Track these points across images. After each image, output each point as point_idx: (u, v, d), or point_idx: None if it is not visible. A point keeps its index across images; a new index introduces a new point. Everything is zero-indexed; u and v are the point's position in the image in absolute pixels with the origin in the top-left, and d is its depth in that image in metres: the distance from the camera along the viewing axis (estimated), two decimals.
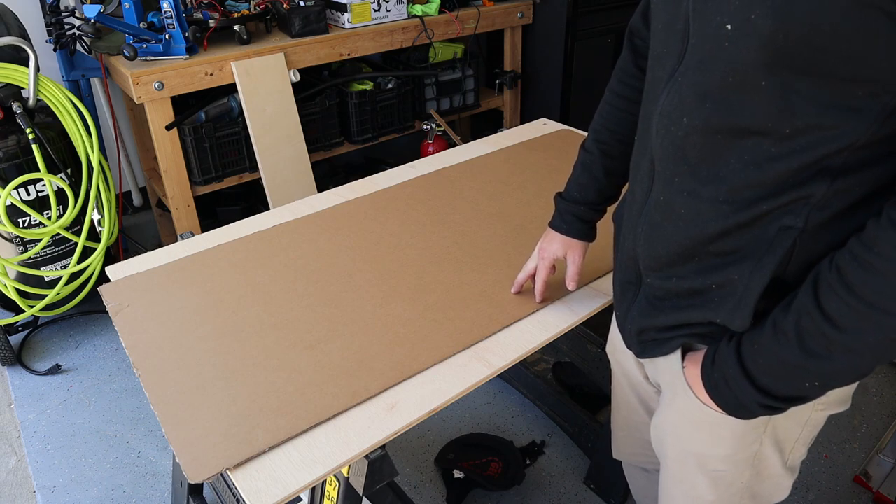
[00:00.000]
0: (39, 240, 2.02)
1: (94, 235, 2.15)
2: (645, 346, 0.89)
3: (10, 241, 2.03)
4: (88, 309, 2.37)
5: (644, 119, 0.82)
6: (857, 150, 0.64)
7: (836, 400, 0.84)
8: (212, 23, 2.18)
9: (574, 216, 1.09)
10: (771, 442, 0.85)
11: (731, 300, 0.74)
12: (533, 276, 1.17)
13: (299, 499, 1.13)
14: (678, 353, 0.86)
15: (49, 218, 2.02)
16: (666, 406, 0.94)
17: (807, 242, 0.69)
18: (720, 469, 0.89)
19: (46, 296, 2.08)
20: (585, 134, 1.86)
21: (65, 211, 2.05)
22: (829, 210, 0.67)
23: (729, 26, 0.64)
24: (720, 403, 0.78)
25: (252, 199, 2.69)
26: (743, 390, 0.74)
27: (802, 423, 0.85)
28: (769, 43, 0.61)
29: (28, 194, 1.97)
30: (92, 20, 1.95)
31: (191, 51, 2.11)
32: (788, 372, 0.70)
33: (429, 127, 2.81)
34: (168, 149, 2.14)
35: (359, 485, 0.97)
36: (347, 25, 2.39)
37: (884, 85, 0.60)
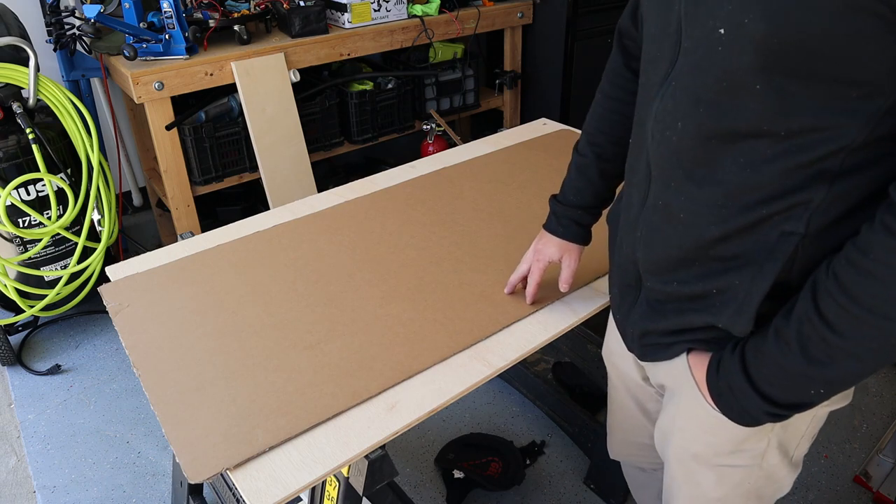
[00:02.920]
0: (39, 240, 2.02)
1: (94, 235, 2.15)
2: (646, 349, 0.89)
3: (10, 241, 2.03)
4: (88, 309, 2.37)
5: (639, 123, 0.82)
6: (854, 153, 0.64)
7: (840, 396, 0.83)
8: (212, 23, 2.18)
9: (571, 220, 1.08)
10: (777, 440, 0.86)
11: (733, 305, 0.74)
12: (526, 278, 1.16)
13: (299, 499, 1.13)
14: (683, 358, 0.85)
15: (49, 218, 2.02)
16: (672, 407, 0.93)
17: (809, 248, 0.69)
18: (726, 465, 0.89)
19: (46, 296, 2.08)
20: None
21: (65, 211, 2.05)
22: (829, 215, 0.67)
23: (722, 30, 0.64)
24: (726, 412, 0.78)
25: (252, 199, 2.69)
26: (749, 400, 0.74)
27: (808, 419, 0.85)
28: (763, 47, 0.61)
29: (28, 194, 1.97)
30: (92, 20, 1.95)
31: (191, 51, 2.11)
32: (793, 381, 0.70)
33: (429, 127, 2.81)
34: (168, 149, 2.14)
35: (359, 485, 0.97)
36: (347, 25, 2.39)
37: (876, 87, 0.60)
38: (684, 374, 0.85)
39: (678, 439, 0.93)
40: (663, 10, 0.73)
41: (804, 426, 0.86)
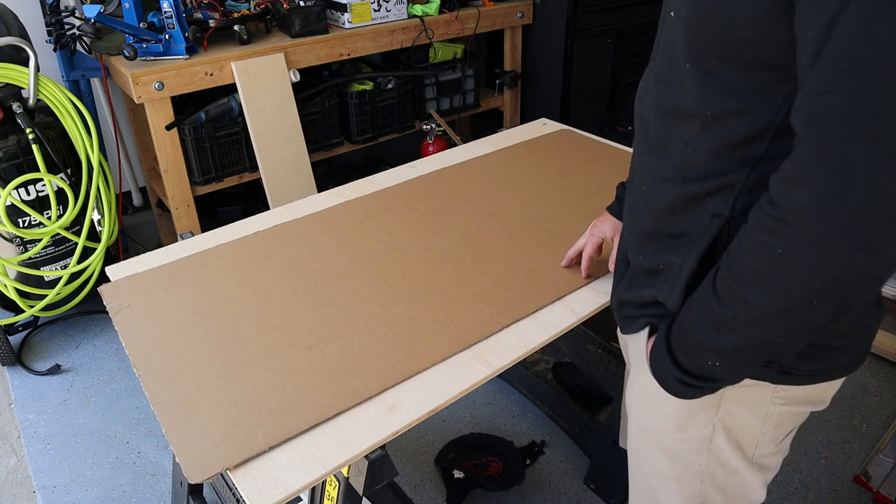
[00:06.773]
0: (39, 240, 2.02)
1: (94, 235, 2.15)
2: (623, 321, 0.94)
3: (10, 241, 2.03)
4: (88, 309, 2.37)
5: None
6: (775, 140, 0.67)
7: (801, 398, 0.84)
8: (212, 23, 2.18)
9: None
10: (724, 429, 0.86)
11: (671, 280, 0.79)
12: (581, 253, 1.22)
13: (299, 499, 1.14)
14: (645, 332, 0.89)
15: (49, 218, 2.02)
16: (630, 382, 0.98)
17: (734, 231, 0.73)
18: (674, 446, 0.91)
19: (46, 296, 2.08)
20: (585, 134, 1.87)
21: (65, 211, 2.05)
22: (751, 199, 0.71)
23: (672, 13, 0.72)
24: (654, 374, 0.83)
25: (252, 199, 2.69)
26: (665, 363, 0.79)
27: (761, 416, 0.85)
28: (689, 26, 0.68)
29: (28, 194, 1.97)
30: (92, 20, 1.95)
31: (191, 51, 2.11)
32: (692, 347, 0.75)
33: (429, 127, 2.81)
34: (168, 149, 2.14)
35: (359, 485, 0.97)
36: (347, 25, 2.39)
37: (786, 71, 0.63)
38: (642, 350, 0.90)
39: (633, 412, 0.97)
40: (663, 4, 0.81)
41: (759, 423, 0.85)
